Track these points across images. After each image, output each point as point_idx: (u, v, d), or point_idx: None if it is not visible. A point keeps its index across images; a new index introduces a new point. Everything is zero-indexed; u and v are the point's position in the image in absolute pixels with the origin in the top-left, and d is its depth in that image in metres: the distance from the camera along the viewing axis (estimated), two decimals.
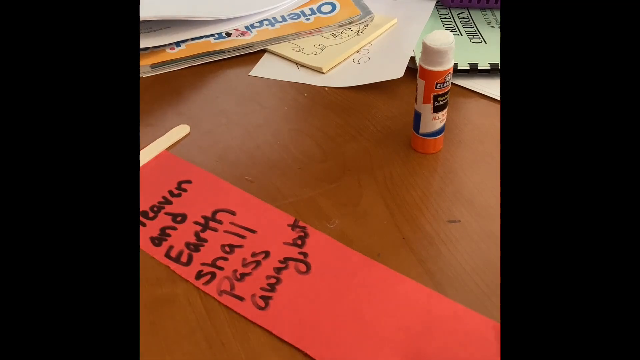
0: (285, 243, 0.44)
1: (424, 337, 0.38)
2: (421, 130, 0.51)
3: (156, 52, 0.65)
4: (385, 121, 0.56)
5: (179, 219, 0.46)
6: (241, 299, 0.41)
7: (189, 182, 0.50)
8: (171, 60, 0.64)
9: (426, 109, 0.49)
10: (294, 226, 0.45)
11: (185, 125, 0.55)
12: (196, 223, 0.46)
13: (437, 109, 0.49)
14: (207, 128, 0.56)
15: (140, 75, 0.62)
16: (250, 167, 0.51)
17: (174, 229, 0.46)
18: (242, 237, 0.45)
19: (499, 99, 0.58)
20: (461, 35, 0.65)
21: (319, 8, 0.71)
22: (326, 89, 0.61)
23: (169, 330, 0.39)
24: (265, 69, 0.64)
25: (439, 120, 0.50)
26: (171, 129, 0.55)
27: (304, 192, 0.49)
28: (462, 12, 0.69)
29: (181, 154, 0.53)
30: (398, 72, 0.59)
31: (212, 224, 0.46)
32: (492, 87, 0.59)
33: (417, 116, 0.50)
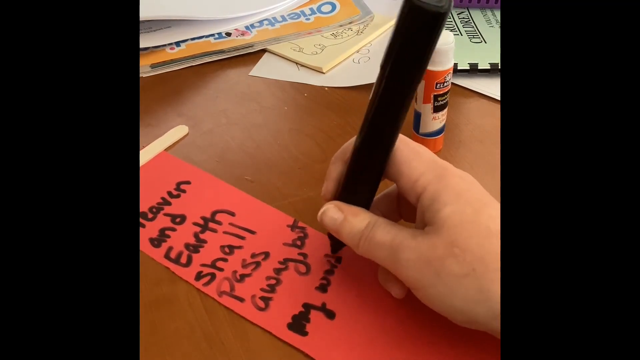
0: (284, 244, 0.44)
1: (425, 330, 0.38)
2: (421, 130, 0.51)
3: (156, 52, 0.65)
4: None
5: (178, 220, 0.46)
6: (241, 300, 0.40)
7: (187, 182, 0.49)
8: (171, 60, 0.64)
9: (426, 109, 0.49)
10: (293, 227, 0.45)
11: (184, 125, 0.55)
12: (195, 224, 0.46)
13: (437, 109, 0.49)
14: (207, 128, 0.56)
15: (140, 75, 0.62)
16: (250, 167, 0.51)
17: (173, 230, 0.46)
18: (242, 237, 0.45)
19: (499, 99, 0.58)
20: (461, 35, 0.65)
21: (319, 8, 0.71)
22: (326, 89, 0.61)
23: (169, 330, 0.39)
24: (265, 68, 0.64)
25: (439, 120, 0.50)
26: (171, 128, 0.55)
27: (303, 192, 0.49)
28: (462, 12, 0.69)
29: (181, 154, 0.53)
30: None
31: (211, 224, 0.46)
32: (492, 87, 0.59)
33: (417, 116, 0.50)
